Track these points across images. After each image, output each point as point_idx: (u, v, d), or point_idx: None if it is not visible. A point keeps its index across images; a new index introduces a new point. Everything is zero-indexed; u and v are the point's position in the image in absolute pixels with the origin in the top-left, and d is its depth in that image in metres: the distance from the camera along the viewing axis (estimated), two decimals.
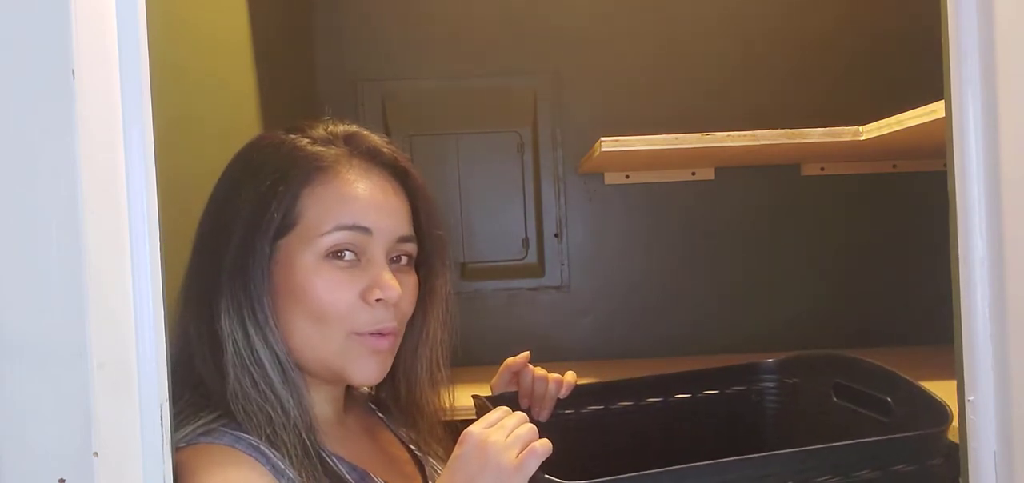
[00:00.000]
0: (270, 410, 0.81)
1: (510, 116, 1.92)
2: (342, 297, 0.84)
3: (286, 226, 0.84)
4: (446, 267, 0.97)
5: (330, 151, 0.87)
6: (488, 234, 1.93)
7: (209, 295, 0.84)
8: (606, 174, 1.90)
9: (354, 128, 0.91)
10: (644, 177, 1.89)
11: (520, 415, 0.79)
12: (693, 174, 1.89)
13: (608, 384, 1.10)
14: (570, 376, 1.03)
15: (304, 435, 0.82)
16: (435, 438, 1.01)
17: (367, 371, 0.87)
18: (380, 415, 1.03)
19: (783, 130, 1.43)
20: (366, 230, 0.85)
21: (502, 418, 0.78)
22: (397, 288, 0.85)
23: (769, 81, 1.88)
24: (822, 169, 1.89)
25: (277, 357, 0.83)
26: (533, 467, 0.74)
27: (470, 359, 1.83)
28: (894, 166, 1.87)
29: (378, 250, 0.86)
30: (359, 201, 0.86)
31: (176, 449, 0.77)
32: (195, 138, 1.10)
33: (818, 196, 1.90)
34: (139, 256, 0.68)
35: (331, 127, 0.91)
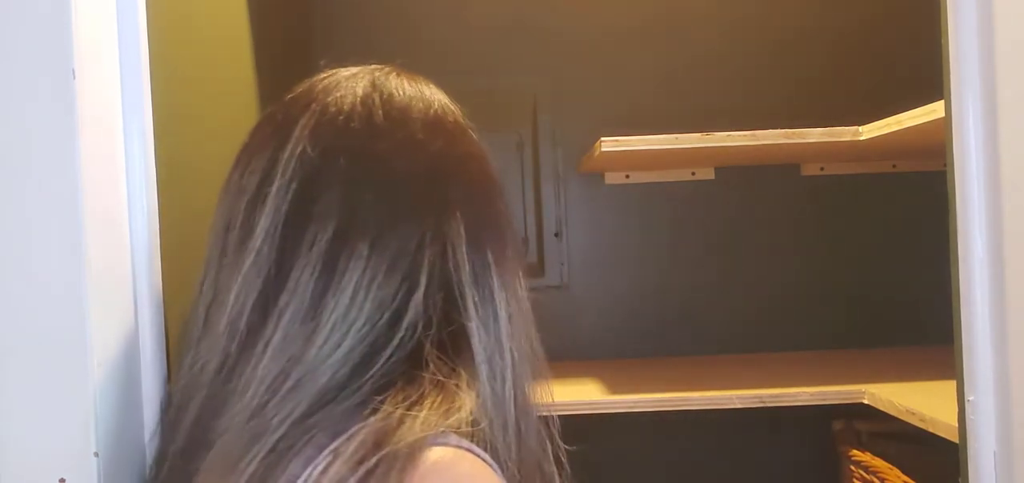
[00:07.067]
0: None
1: (510, 116, 1.92)
2: None
3: None
4: None
5: None
6: None
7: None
8: (606, 174, 1.89)
9: None
10: (644, 177, 1.89)
11: None
12: (693, 174, 1.88)
13: None
14: None
15: None
16: None
17: None
18: None
19: (783, 130, 1.42)
20: None
21: None
22: None
23: (769, 81, 1.88)
24: (822, 169, 1.88)
25: None
26: None
27: None
28: (894, 166, 1.87)
29: None
30: None
31: (424, 444, 0.56)
32: (195, 137, 1.09)
33: (818, 196, 1.90)
34: (139, 256, 0.68)
35: None
